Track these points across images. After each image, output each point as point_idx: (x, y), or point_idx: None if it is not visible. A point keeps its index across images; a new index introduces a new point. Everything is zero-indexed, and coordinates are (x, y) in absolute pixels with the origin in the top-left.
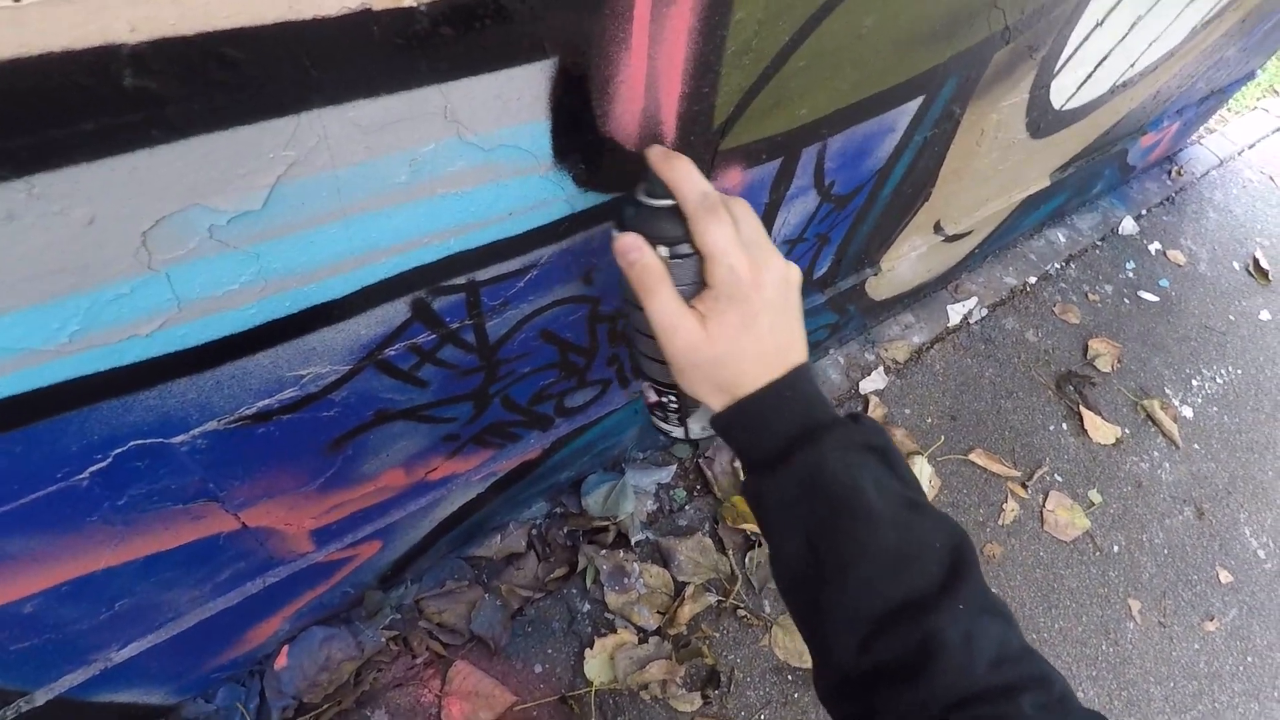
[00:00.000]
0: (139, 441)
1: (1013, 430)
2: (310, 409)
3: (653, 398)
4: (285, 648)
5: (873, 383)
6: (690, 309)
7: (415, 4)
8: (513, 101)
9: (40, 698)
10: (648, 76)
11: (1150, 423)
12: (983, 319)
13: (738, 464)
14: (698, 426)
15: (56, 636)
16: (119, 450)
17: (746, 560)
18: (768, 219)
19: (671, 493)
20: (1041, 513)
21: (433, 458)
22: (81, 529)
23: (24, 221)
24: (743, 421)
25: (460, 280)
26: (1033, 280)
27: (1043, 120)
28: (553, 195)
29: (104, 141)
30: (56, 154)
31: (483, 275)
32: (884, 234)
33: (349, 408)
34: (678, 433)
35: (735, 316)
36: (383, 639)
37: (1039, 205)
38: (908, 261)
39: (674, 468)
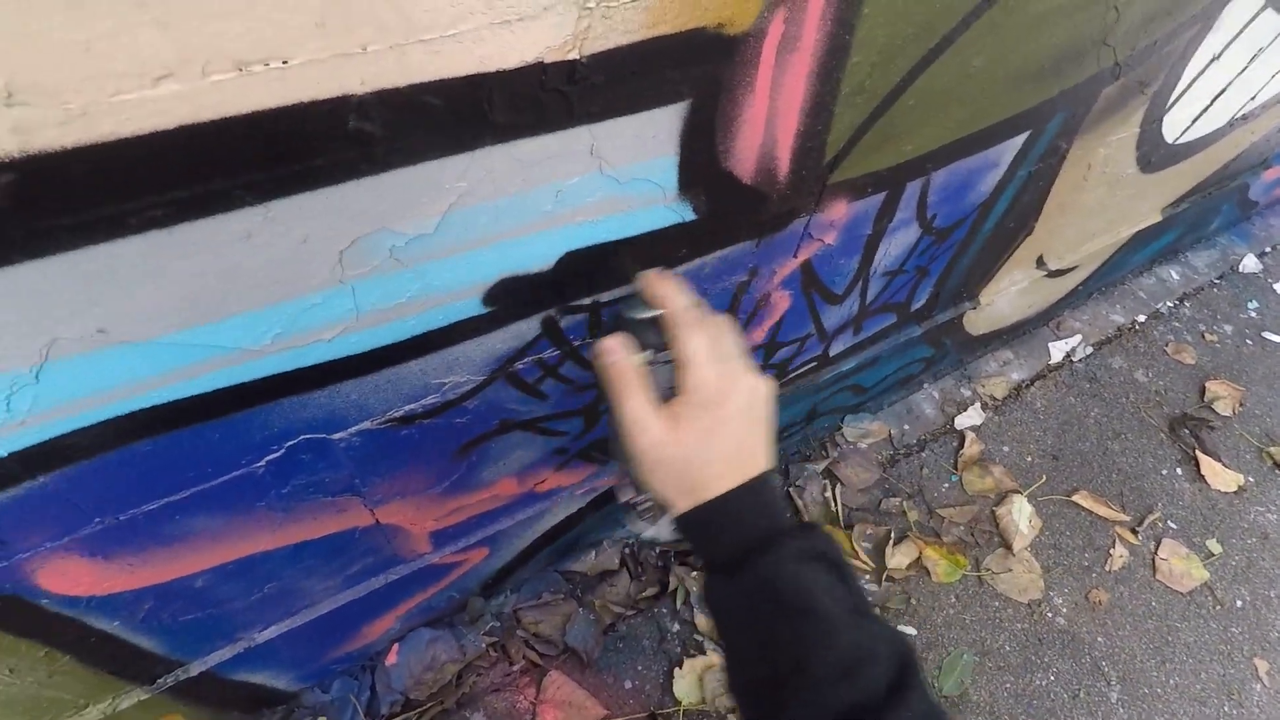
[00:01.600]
0: (308, 436)
1: (1121, 473)
2: (446, 415)
3: (628, 496)
4: (395, 646)
5: (969, 419)
6: (660, 411)
7: (579, 56)
8: (649, 139)
9: (195, 669)
10: (768, 116)
11: (1278, 471)
12: (1087, 357)
13: (828, 494)
14: (668, 529)
15: (216, 612)
16: (291, 442)
17: None
18: (868, 251)
19: None
20: (1154, 560)
21: (543, 469)
22: (251, 513)
23: (258, 240)
24: (704, 524)
25: (586, 301)
26: (1143, 319)
27: (1154, 154)
28: (674, 224)
29: (326, 173)
30: (290, 184)
31: (605, 297)
32: (984, 267)
33: (479, 416)
34: (650, 532)
35: (703, 422)
36: (483, 644)
37: (1150, 241)
38: (1007, 296)
39: None
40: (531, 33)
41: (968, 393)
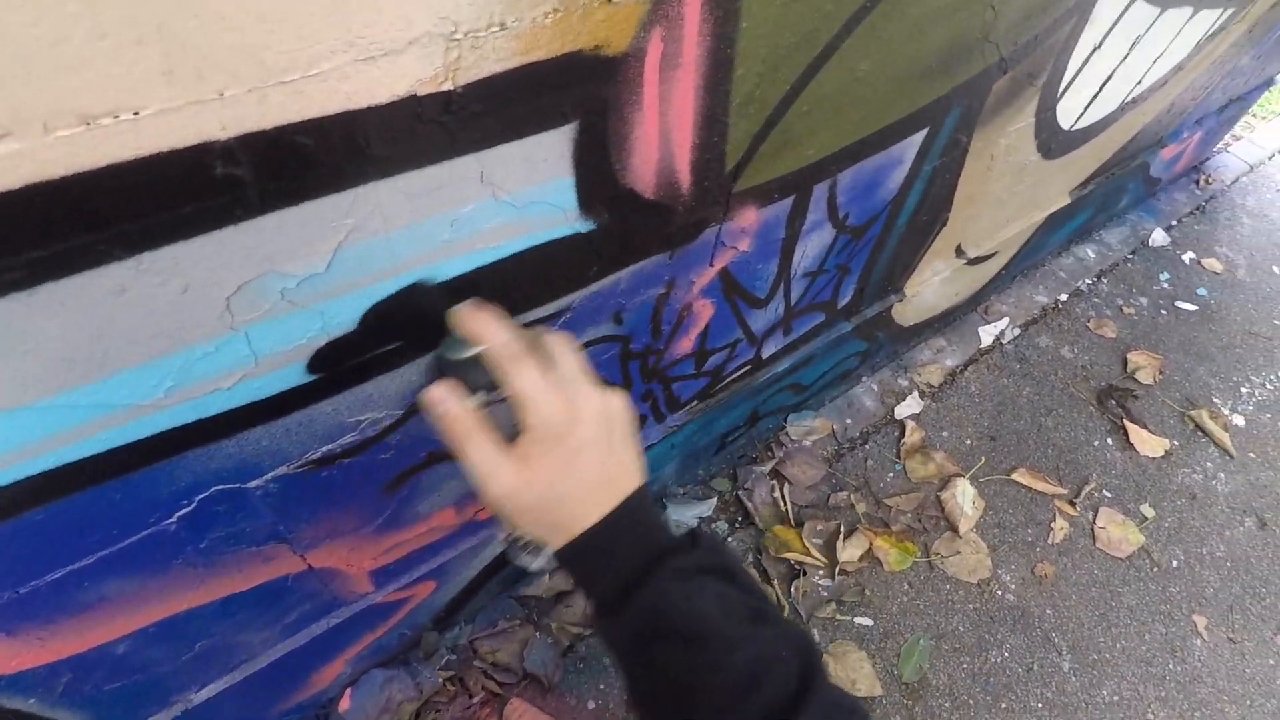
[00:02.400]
0: (220, 486)
1: (1055, 448)
2: (369, 452)
3: (504, 533)
4: (348, 690)
5: (908, 407)
6: (506, 455)
7: (452, 87)
8: (540, 163)
9: None
10: (660, 131)
11: (1200, 433)
12: (1016, 339)
13: (777, 494)
14: (554, 560)
15: (144, 677)
16: (202, 495)
17: (792, 589)
18: (785, 254)
19: (713, 525)
20: (1093, 530)
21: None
22: (168, 571)
23: (132, 294)
24: (580, 559)
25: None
26: (1064, 297)
27: (1053, 141)
28: (580, 244)
29: (198, 221)
30: (160, 234)
31: (525, 319)
32: (904, 260)
33: (403, 450)
34: (537, 565)
35: (553, 459)
36: (440, 679)
37: (1063, 223)
38: (932, 286)
39: (714, 501)
40: (399, 67)
41: (905, 383)
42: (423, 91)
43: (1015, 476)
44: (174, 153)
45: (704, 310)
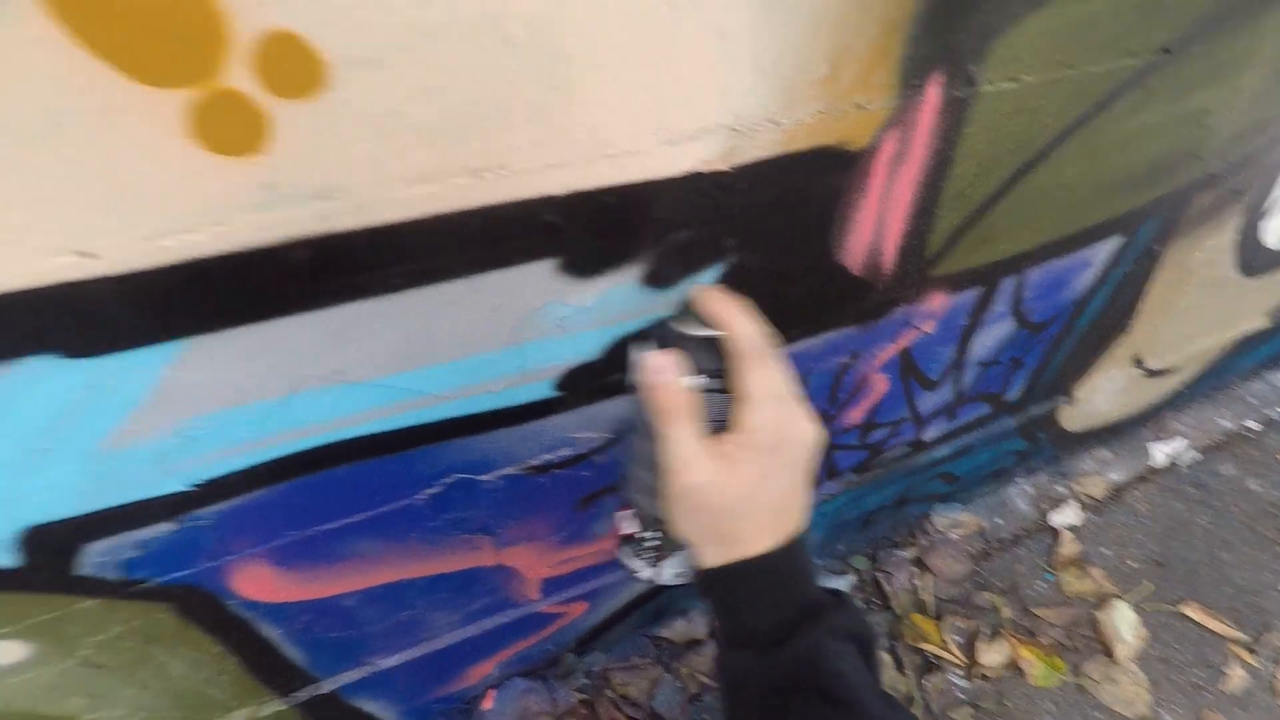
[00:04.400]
0: (462, 475)
1: (1234, 587)
2: (575, 467)
3: (630, 529)
4: (492, 692)
5: (1065, 517)
6: (711, 449)
7: (726, 168)
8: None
9: (325, 687)
10: (878, 216)
11: None
12: (1194, 463)
13: (917, 582)
14: (671, 573)
15: (356, 634)
16: (449, 480)
17: (924, 683)
18: (964, 341)
19: None
20: (1275, 685)
21: None
22: (405, 541)
23: (459, 306)
24: (733, 584)
25: None
26: (1254, 426)
27: (1255, 259)
28: (788, 307)
29: (521, 255)
30: (493, 262)
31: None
32: (1079, 363)
33: (602, 471)
34: (647, 574)
35: (755, 468)
36: (574, 699)
37: (1258, 346)
38: (1105, 394)
39: (851, 579)
40: (692, 149)
41: (1063, 490)
42: (705, 169)
43: (1185, 610)
44: (524, 201)
45: (879, 384)
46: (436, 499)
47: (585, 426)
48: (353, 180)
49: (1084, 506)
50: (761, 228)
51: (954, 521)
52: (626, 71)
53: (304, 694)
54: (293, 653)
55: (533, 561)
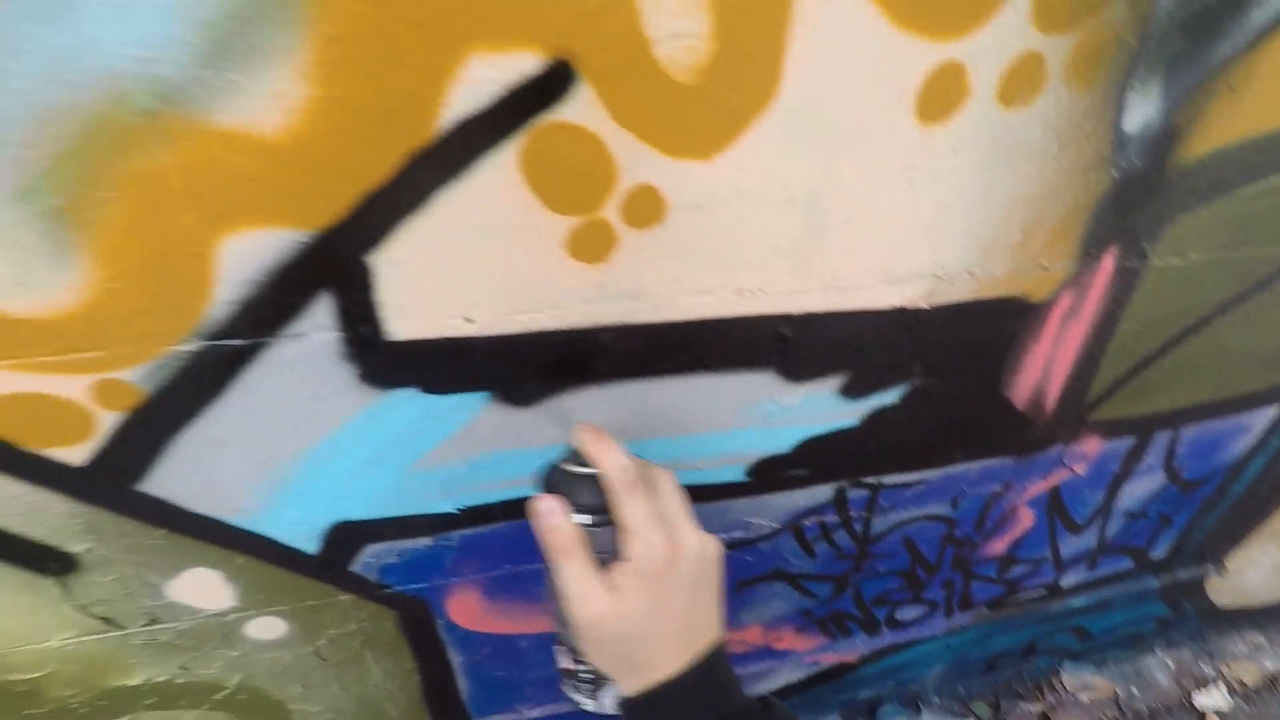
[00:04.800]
0: None
1: None
2: (742, 550)
3: (566, 664)
4: None
5: (1211, 700)
6: (603, 580)
7: (925, 306)
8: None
9: None
10: (1046, 361)
11: None
12: None
13: None
14: (610, 701)
15: (517, 676)
16: None
17: None
18: (1113, 488)
19: None
20: None
21: (786, 626)
22: None
23: (702, 392)
24: (654, 710)
25: (872, 480)
26: None
27: None
28: (955, 430)
29: (750, 359)
30: (731, 363)
31: (889, 480)
32: (1232, 531)
33: (762, 558)
34: (589, 705)
35: (648, 593)
36: None
37: None
38: (1260, 570)
39: None
40: (902, 289)
41: (1209, 670)
42: (908, 306)
43: None
44: (767, 316)
45: (1025, 519)
46: None
47: (760, 513)
48: (656, 287)
49: (1234, 691)
50: (946, 358)
51: (1085, 683)
52: (867, 226)
53: None
54: (463, 684)
55: None
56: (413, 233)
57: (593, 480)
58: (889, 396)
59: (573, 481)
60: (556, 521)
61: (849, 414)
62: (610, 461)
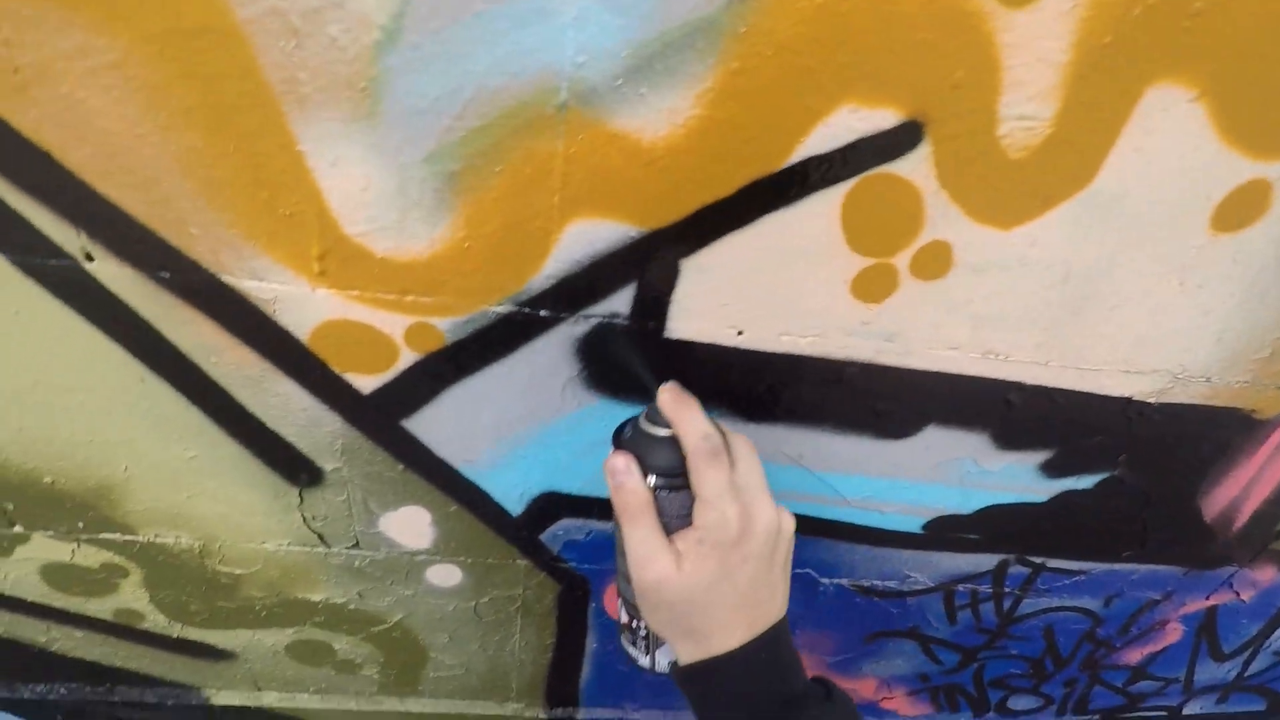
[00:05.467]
0: (811, 570)
1: None
2: (888, 601)
3: (624, 619)
4: None
5: None
6: (670, 545)
7: (1153, 401)
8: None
9: (580, 715)
10: (1249, 479)
11: None
12: None
13: None
14: (665, 661)
15: (634, 675)
16: (799, 570)
17: None
18: (1272, 623)
19: None
20: None
21: (900, 687)
22: None
23: (911, 442)
24: (709, 682)
25: (1038, 560)
26: None
27: None
28: (1138, 529)
29: (975, 417)
30: (958, 417)
31: (1054, 564)
32: None
33: (906, 613)
34: (644, 662)
35: (715, 563)
36: None
37: None
38: None
39: None
40: (1138, 381)
41: None
42: (1136, 398)
43: None
44: (1001, 381)
45: (1172, 634)
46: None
47: (921, 568)
48: (914, 333)
49: None
50: (1153, 456)
51: None
52: (1127, 316)
53: (560, 713)
54: (585, 670)
55: None
56: (727, 245)
57: (671, 443)
58: (1084, 481)
59: (651, 442)
60: (627, 480)
61: (1040, 490)
62: (692, 427)
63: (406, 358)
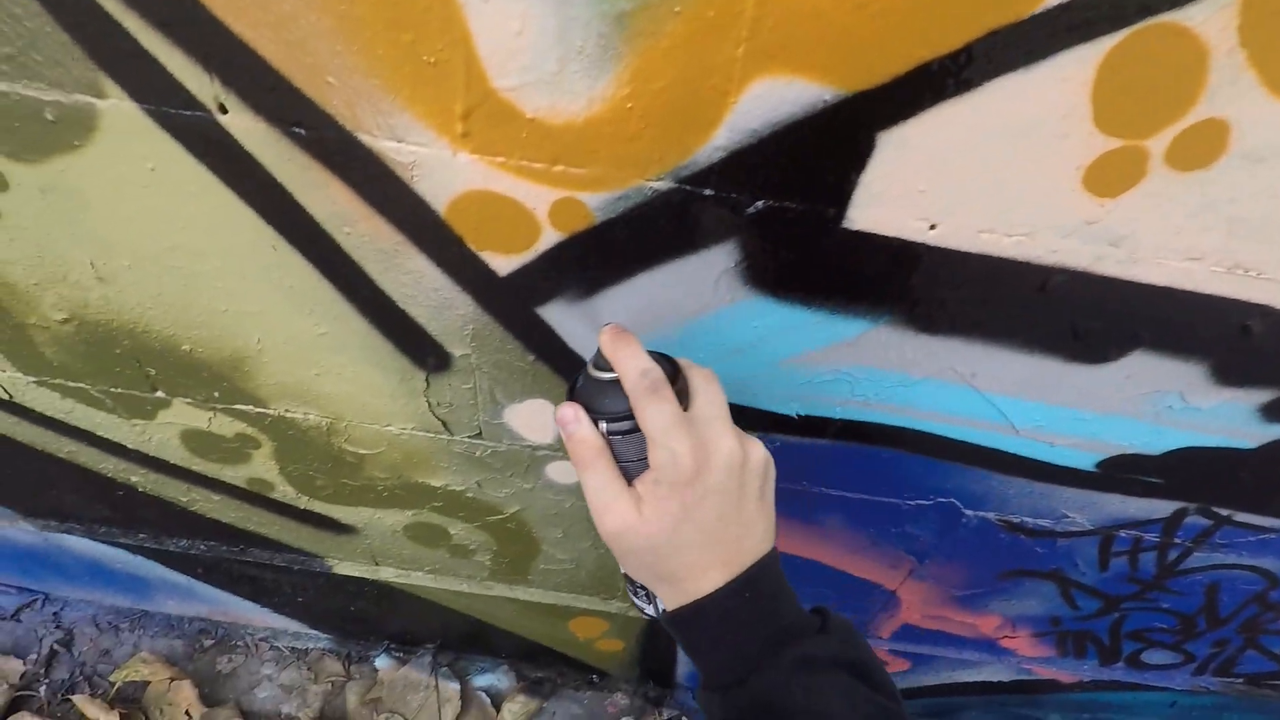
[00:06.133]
0: (955, 500)
1: None
2: (1037, 540)
3: (625, 570)
4: None
5: None
6: (630, 490)
7: None
8: None
9: None
10: None
11: None
12: None
13: None
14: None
15: None
16: (942, 499)
17: None
18: None
19: None
20: None
21: (1024, 628)
22: (858, 530)
23: (1115, 368)
24: (692, 627)
25: (1224, 512)
26: None
27: None
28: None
29: (1204, 344)
30: (1182, 344)
31: (1242, 518)
32: None
33: (1054, 554)
34: (650, 611)
35: (674, 504)
36: None
37: None
38: None
39: None
40: None
41: None
42: None
43: None
44: (1240, 303)
45: None
46: (917, 510)
47: (1084, 509)
48: (1145, 239)
49: None
50: None
51: None
52: None
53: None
54: None
55: (919, 602)
56: (939, 116)
57: (617, 385)
58: None
59: (598, 387)
60: (576, 430)
61: (1252, 435)
62: (630, 366)
63: (549, 237)
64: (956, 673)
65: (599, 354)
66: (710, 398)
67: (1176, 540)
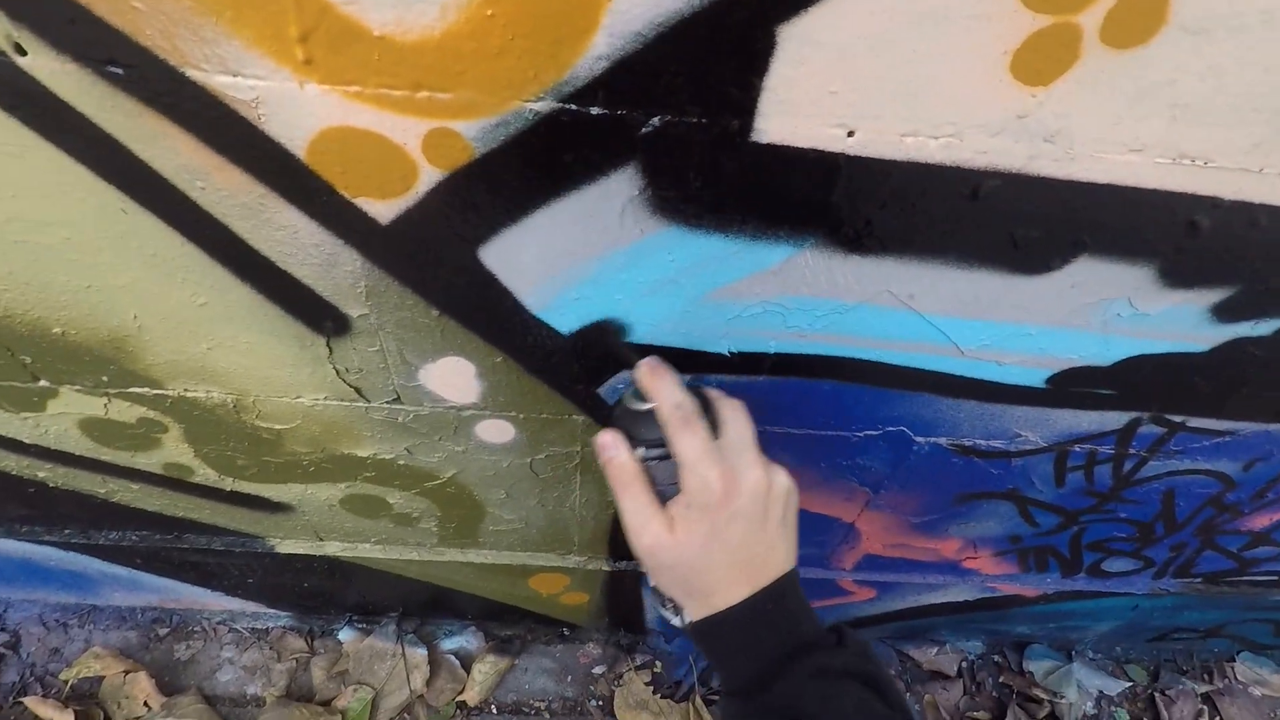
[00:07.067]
0: (904, 428)
1: None
2: (990, 461)
3: (653, 582)
4: None
5: None
6: (661, 511)
7: None
8: None
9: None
10: None
11: None
12: None
13: None
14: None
15: None
16: (891, 428)
17: None
18: None
19: (1114, 710)
20: None
21: (986, 549)
22: (808, 466)
23: (1049, 278)
24: (717, 636)
25: (1177, 419)
26: None
27: None
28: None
29: (1138, 245)
30: (1119, 247)
31: (1196, 423)
32: None
33: (1009, 474)
34: (676, 621)
35: (704, 525)
36: None
37: None
38: None
39: (1126, 685)
40: None
41: None
42: None
43: None
44: (1187, 196)
45: None
46: (866, 440)
47: (1035, 427)
48: (1081, 131)
49: None
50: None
51: (1258, 677)
52: None
53: (623, 565)
54: None
55: (879, 532)
56: (845, 4)
57: (653, 415)
58: (1263, 327)
59: (636, 417)
60: (615, 455)
61: (1204, 338)
62: (665, 397)
63: (428, 176)
64: (923, 596)
65: (633, 386)
66: (739, 428)
67: (1131, 451)
